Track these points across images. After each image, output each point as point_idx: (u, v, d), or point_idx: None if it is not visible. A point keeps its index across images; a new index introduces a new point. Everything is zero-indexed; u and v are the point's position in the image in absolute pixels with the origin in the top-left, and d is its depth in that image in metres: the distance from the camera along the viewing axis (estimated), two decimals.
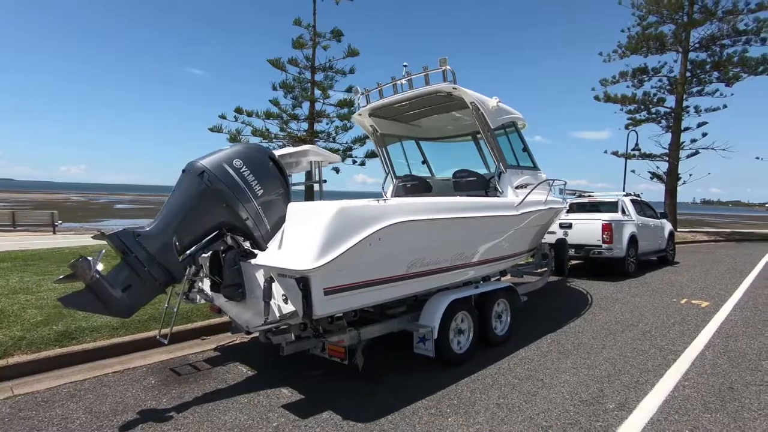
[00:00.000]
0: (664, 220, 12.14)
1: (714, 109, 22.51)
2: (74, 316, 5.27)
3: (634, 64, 23.78)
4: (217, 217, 3.71)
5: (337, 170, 15.54)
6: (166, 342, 4.32)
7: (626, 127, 25.39)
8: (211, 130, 13.85)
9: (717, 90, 22.19)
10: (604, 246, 9.35)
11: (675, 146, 23.34)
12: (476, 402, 3.64)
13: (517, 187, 5.72)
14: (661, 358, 4.70)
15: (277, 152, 4.33)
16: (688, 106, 23.03)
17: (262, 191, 3.87)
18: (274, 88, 14.16)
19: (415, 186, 6.74)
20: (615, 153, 25.49)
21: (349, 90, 14.43)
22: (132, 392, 3.85)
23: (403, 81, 5.86)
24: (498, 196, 5.56)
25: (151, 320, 5.35)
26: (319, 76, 14.56)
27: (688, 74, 22.66)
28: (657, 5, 22.76)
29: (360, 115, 6.49)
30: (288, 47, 14.48)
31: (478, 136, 7.32)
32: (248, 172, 3.81)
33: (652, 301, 7.44)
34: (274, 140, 14.29)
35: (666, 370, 4.39)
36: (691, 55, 22.60)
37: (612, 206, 10.36)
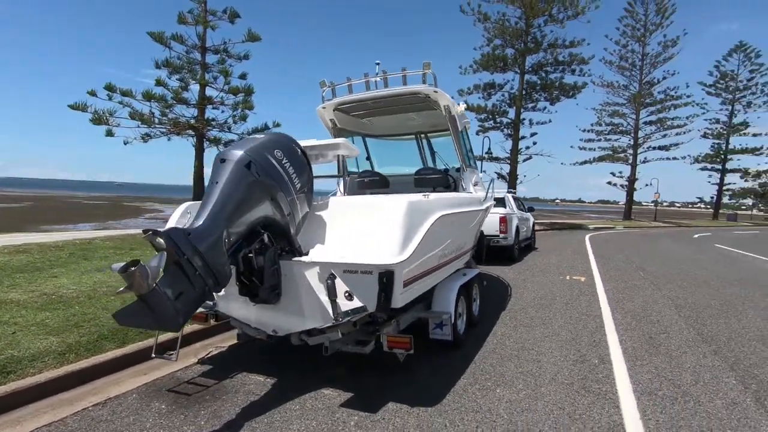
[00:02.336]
0: (529, 213, 14.68)
1: (543, 123, 27.78)
2: None
3: (486, 79, 27.66)
4: (263, 212, 3.39)
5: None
6: (174, 358, 3.72)
7: (477, 134, 29.37)
8: (72, 107, 11.15)
9: (545, 107, 27.42)
10: (501, 236, 10.96)
11: (514, 152, 28.02)
12: (504, 374, 4.16)
13: (473, 185, 6.43)
14: (593, 322, 5.97)
15: (304, 143, 4.09)
16: (524, 119, 27.88)
17: (299, 185, 3.67)
18: (157, 66, 12.22)
19: (373, 181, 6.90)
20: None
21: (243, 77, 13.43)
22: (152, 421, 3.25)
23: (377, 78, 6.02)
24: (462, 192, 6.18)
25: (102, 339, 4.42)
26: (212, 59, 13.17)
27: (524, 92, 27.38)
28: (502, 32, 26.85)
29: (324, 108, 6.37)
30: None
31: (421, 136, 7.87)
32: (288, 164, 3.58)
33: (548, 279, 9.12)
34: (156, 126, 12.35)
35: (603, 330, 5.62)
36: (527, 77, 27.37)
37: (500, 202, 12.12)
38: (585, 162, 40.91)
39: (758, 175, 52.54)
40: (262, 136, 3.67)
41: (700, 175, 56.29)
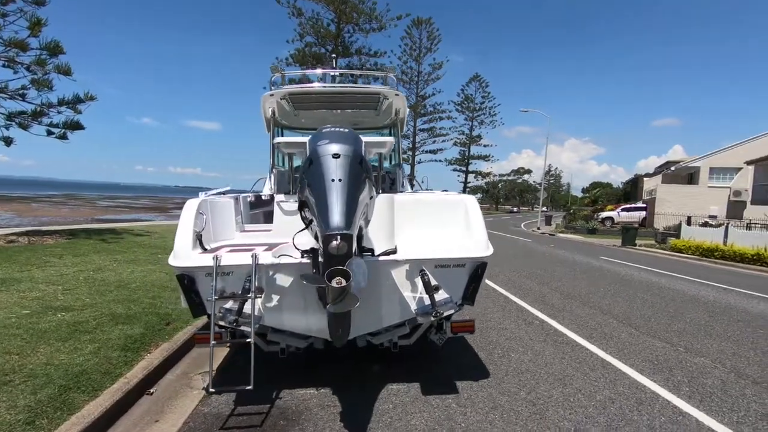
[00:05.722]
0: None
1: None
2: None
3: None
4: (368, 211, 3.22)
5: (8, 142, 10.21)
6: (250, 386, 3.08)
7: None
8: None
9: None
10: None
11: None
12: (499, 343, 5.01)
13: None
14: (500, 296, 7.47)
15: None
16: None
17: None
18: None
19: None
20: None
21: (37, 25, 9.83)
22: None
23: (337, 72, 5.93)
24: (401, 191, 6.70)
25: (67, 391, 3.17)
26: None
27: None
28: (315, 30, 27.69)
29: (272, 95, 5.81)
30: None
31: None
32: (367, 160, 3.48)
33: None
34: None
35: (512, 300, 7.16)
36: (339, 79, 28.98)
37: None
38: None
39: (486, 175, 69.76)
40: (344, 129, 3.40)
41: (452, 175, 70.70)
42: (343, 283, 2.29)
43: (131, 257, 8.30)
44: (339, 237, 2.43)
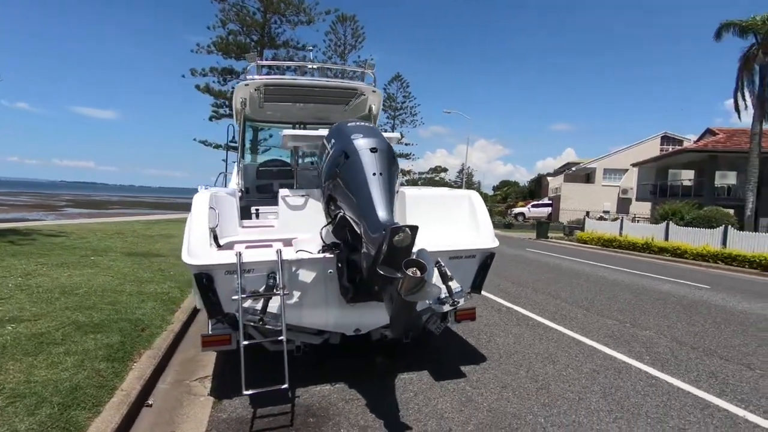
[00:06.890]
0: None
1: None
2: None
3: (223, 63, 26.44)
4: None
5: None
6: (287, 385, 2.96)
7: (210, 119, 27.83)
8: None
9: None
10: None
11: (254, 142, 28.10)
12: (481, 331, 5.33)
13: None
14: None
15: None
16: None
17: None
18: None
19: (281, 171, 6.43)
20: (203, 142, 27.37)
21: None
22: None
23: (314, 67, 5.82)
24: None
25: (67, 409, 2.81)
26: None
27: None
28: (239, 18, 26.37)
29: (247, 85, 5.52)
30: None
31: (300, 126, 7.68)
32: None
33: None
34: None
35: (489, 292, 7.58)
36: (264, 70, 27.86)
37: None
38: None
39: (406, 173, 71.71)
40: (368, 124, 3.43)
41: None
42: (419, 273, 2.35)
43: (59, 260, 7.30)
44: (408, 229, 2.48)
